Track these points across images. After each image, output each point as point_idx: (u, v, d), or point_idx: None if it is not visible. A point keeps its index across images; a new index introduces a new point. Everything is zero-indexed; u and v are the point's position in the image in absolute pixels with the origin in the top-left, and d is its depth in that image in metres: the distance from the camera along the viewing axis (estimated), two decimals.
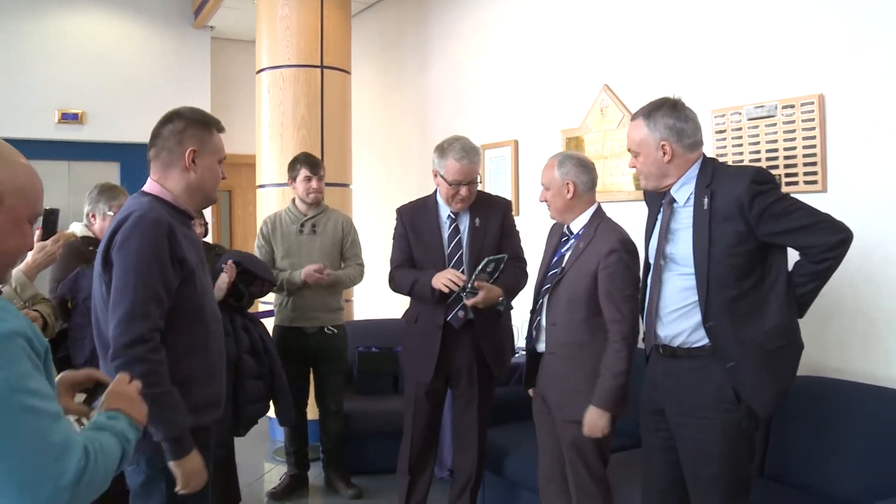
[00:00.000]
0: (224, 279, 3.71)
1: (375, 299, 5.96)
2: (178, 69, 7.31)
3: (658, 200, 2.66)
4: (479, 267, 3.30)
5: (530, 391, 3.27)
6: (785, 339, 2.42)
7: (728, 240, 2.41)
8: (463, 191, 3.42)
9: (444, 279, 3.31)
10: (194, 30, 7.39)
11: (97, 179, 3.71)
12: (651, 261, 2.65)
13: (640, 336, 2.79)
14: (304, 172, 4.40)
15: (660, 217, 2.63)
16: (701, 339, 2.48)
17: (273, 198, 5.46)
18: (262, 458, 5.34)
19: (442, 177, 3.44)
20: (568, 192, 3.02)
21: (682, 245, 2.51)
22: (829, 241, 2.34)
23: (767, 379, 2.40)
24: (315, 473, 4.75)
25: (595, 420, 2.85)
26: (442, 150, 3.45)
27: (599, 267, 2.89)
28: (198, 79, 7.40)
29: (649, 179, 2.62)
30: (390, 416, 4.46)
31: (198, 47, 7.45)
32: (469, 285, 3.29)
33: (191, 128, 2.29)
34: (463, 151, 3.40)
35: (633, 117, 2.64)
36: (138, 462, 2.19)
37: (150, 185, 2.31)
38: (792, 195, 2.47)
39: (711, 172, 2.50)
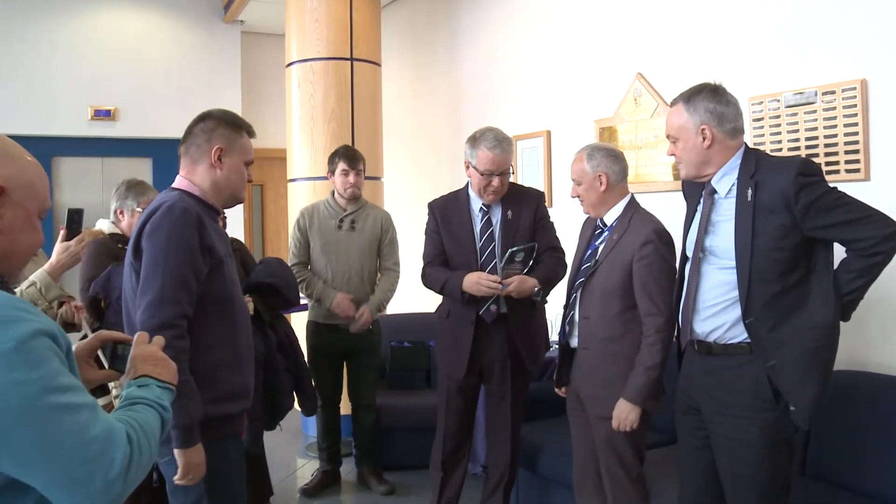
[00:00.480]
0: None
1: (408, 293, 5.92)
2: (208, 64, 7.34)
3: (697, 192, 2.59)
4: (506, 257, 3.29)
5: (561, 391, 3.21)
6: (828, 339, 2.33)
7: (772, 233, 2.32)
8: (495, 181, 3.38)
9: (482, 287, 3.28)
10: (224, 24, 7.40)
11: (130, 175, 3.71)
12: (689, 254, 2.57)
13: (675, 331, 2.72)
14: (341, 166, 4.34)
15: (699, 208, 2.55)
16: (738, 335, 2.41)
17: (304, 192, 5.44)
18: (294, 453, 5.33)
19: (474, 167, 3.40)
20: (601, 184, 2.96)
21: (723, 238, 2.43)
22: (880, 234, 2.25)
23: (809, 379, 2.31)
24: (347, 469, 4.73)
25: (625, 413, 2.80)
26: (474, 139, 3.42)
27: (634, 258, 2.83)
28: (229, 73, 7.43)
29: (689, 167, 2.53)
30: (422, 411, 4.44)
31: (228, 42, 7.46)
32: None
33: (220, 127, 2.35)
34: (496, 141, 3.36)
35: (673, 103, 2.57)
36: (172, 453, 2.19)
37: (178, 181, 2.37)
38: (835, 186, 2.38)
39: (755, 162, 2.41)
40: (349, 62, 5.44)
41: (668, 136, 2.59)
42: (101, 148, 7.04)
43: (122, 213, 3.47)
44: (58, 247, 2.87)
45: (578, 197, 3.05)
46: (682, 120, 2.49)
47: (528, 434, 3.73)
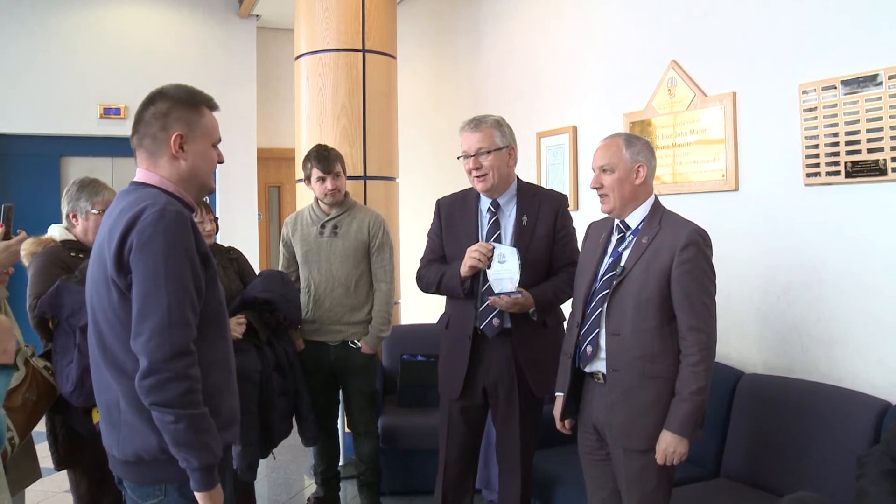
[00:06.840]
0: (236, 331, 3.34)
1: (425, 301, 5.53)
2: (223, 60, 7.07)
3: None
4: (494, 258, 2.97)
5: (565, 423, 2.81)
6: None
7: None
8: (471, 163, 3.08)
9: (470, 256, 2.96)
10: (239, 19, 7.13)
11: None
12: None
13: None
14: (316, 172, 3.88)
15: None
16: None
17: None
18: (302, 471, 4.98)
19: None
20: (637, 177, 2.59)
21: None
22: None
23: None
24: (352, 493, 4.33)
25: (672, 447, 2.44)
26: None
27: (674, 263, 2.45)
28: (244, 70, 7.16)
29: None
30: (435, 431, 4.02)
31: (243, 37, 7.19)
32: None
33: (176, 109, 2.01)
34: (472, 120, 3.12)
35: None
36: (165, 492, 1.92)
37: (145, 175, 2.02)
38: None
39: None
40: (361, 54, 5.06)
41: None
42: (111, 147, 6.78)
43: (74, 216, 3.08)
44: None
45: (601, 188, 2.63)
46: None
47: (541, 463, 3.38)
